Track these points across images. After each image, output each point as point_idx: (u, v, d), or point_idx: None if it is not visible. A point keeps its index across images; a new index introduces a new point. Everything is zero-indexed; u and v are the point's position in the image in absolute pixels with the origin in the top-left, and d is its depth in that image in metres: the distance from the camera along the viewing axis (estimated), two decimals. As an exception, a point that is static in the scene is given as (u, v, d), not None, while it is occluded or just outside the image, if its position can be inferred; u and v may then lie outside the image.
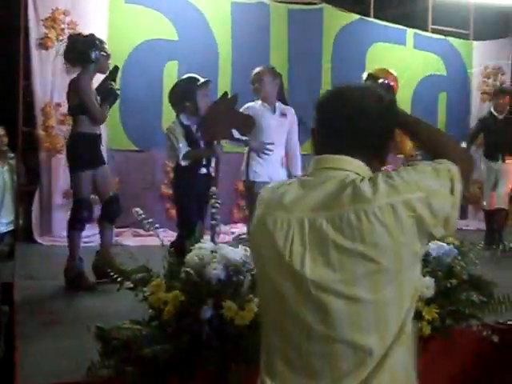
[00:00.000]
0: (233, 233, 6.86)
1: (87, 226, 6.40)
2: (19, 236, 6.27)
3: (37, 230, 6.28)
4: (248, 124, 4.55)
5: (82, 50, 4.56)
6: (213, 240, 3.28)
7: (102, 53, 4.63)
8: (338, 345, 1.47)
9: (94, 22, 6.48)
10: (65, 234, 6.21)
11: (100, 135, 4.81)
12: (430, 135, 1.67)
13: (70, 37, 4.92)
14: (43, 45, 6.28)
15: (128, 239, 6.36)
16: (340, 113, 1.56)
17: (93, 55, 4.56)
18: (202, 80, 4.62)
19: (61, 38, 6.31)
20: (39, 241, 6.18)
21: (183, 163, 4.51)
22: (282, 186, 1.59)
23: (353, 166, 1.53)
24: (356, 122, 1.54)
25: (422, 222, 1.46)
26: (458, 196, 1.50)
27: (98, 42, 4.62)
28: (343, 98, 1.58)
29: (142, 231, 6.20)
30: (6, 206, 6.24)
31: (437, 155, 1.58)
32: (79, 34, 4.85)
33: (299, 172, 5.09)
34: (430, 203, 1.45)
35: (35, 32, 6.26)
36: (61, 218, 6.34)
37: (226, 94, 4.33)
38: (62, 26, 6.34)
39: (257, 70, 5.06)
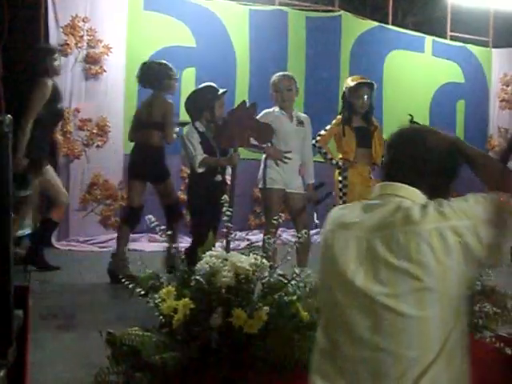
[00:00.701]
0: (248, 239, 6.87)
1: (102, 231, 6.51)
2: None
3: (54, 235, 6.33)
4: (267, 133, 4.54)
5: (157, 78, 5.06)
6: (227, 248, 3.28)
7: (173, 80, 5.16)
8: (383, 353, 1.60)
9: (113, 29, 6.57)
10: (81, 239, 6.32)
11: None
12: (491, 168, 1.81)
13: (145, 64, 5.27)
14: (62, 51, 6.32)
15: (144, 245, 6.38)
16: (407, 152, 1.77)
17: (166, 83, 5.08)
18: (221, 90, 4.67)
19: (80, 44, 6.40)
20: (56, 245, 6.21)
21: (199, 170, 4.54)
22: (347, 207, 1.86)
23: (411, 195, 1.72)
24: (420, 162, 1.75)
25: (469, 249, 1.58)
26: (510, 227, 1.62)
27: (171, 73, 5.12)
28: (410, 139, 1.80)
29: (157, 236, 6.21)
30: (24, 210, 6.28)
31: (493, 187, 1.73)
32: (153, 62, 5.28)
33: (312, 180, 5.09)
34: (477, 231, 1.58)
35: (55, 38, 6.33)
36: (78, 223, 6.42)
37: (244, 102, 4.35)
38: (82, 32, 6.41)
39: (276, 76, 5.02)
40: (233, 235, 7.00)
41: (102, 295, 4.29)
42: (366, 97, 5.21)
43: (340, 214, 1.79)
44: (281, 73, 5.16)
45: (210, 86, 4.75)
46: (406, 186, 1.72)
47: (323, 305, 1.82)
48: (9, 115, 2.60)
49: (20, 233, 6.25)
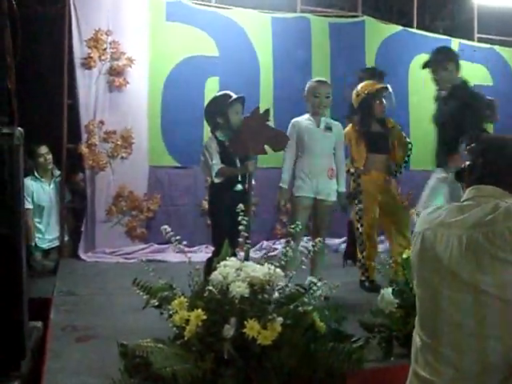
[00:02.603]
0: (275, 249, 6.80)
1: (128, 242, 6.51)
2: (65, 252, 6.36)
3: (81, 247, 6.37)
4: (280, 140, 4.52)
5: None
6: (246, 258, 3.25)
7: None
8: (490, 341, 1.78)
9: (136, 41, 6.60)
10: (107, 250, 6.34)
11: None
12: None
13: None
14: (86, 64, 6.39)
15: (170, 255, 6.36)
16: (499, 159, 2.00)
17: None
18: (234, 96, 4.60)
19: (103, 57, 6.44)
20: (83, 257, 6.24)
21: (216, 180, 4.50)
22: (439, 209, 2.03)
23: (504, 196, 1.94)
24: (509, 169, 1.98)
25: None
26: None
27: None
28: (501, 148, 2.03)
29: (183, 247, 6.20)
30: (51, 222, 6.35)
31: None
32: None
33: (343, 188, 5.01)
34: None
35: (79, 52, 6.38)
36: (104, 235, 6.44)
37: (257, 109, 4.32)
38: (105, 45, 6.44)
39: (314, 82, 4.99)
40: (260, 245, 6.98)
41: (124, 307, 4.26)
42: (384, 101, 5.25)
43: (436, 215, 1.99)
44: (318, 78, 5.12)
45: (225, 94, 4.70)
46: (498, 188, 1.95)
47: (423, 300, 1.98)
48: (20, 128, 2.57)
49: (48, 245, 6.33)
